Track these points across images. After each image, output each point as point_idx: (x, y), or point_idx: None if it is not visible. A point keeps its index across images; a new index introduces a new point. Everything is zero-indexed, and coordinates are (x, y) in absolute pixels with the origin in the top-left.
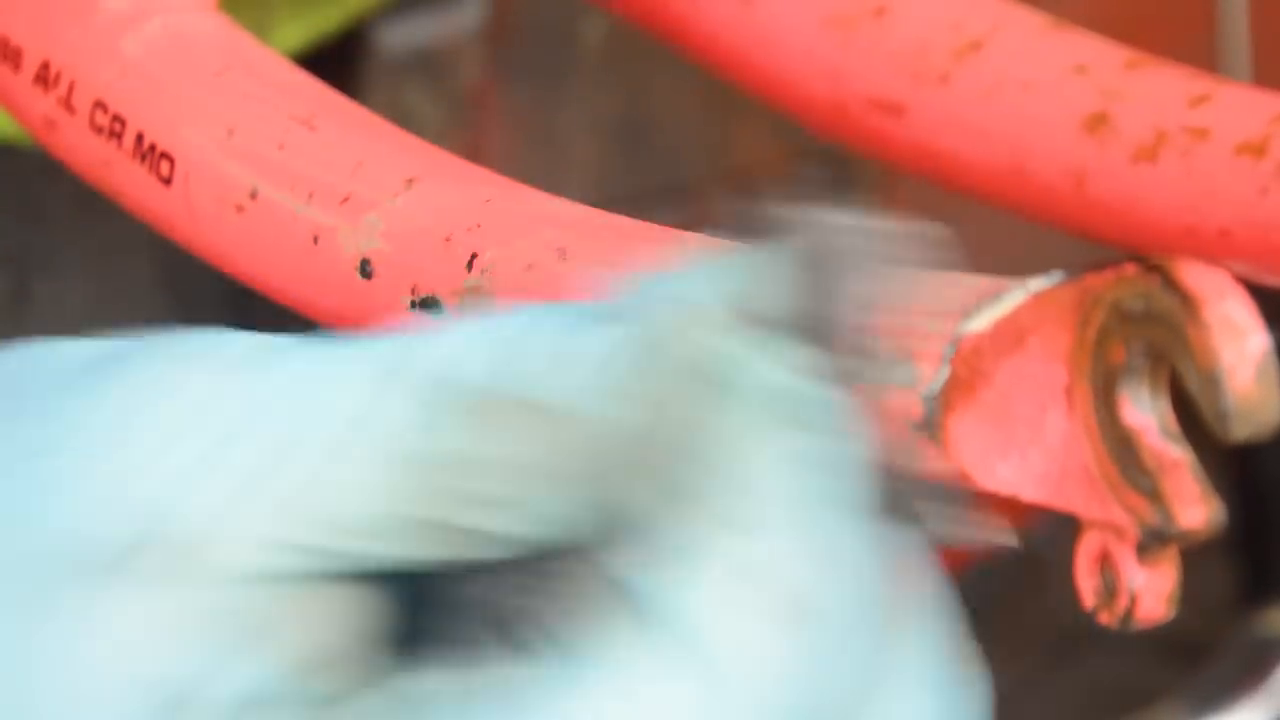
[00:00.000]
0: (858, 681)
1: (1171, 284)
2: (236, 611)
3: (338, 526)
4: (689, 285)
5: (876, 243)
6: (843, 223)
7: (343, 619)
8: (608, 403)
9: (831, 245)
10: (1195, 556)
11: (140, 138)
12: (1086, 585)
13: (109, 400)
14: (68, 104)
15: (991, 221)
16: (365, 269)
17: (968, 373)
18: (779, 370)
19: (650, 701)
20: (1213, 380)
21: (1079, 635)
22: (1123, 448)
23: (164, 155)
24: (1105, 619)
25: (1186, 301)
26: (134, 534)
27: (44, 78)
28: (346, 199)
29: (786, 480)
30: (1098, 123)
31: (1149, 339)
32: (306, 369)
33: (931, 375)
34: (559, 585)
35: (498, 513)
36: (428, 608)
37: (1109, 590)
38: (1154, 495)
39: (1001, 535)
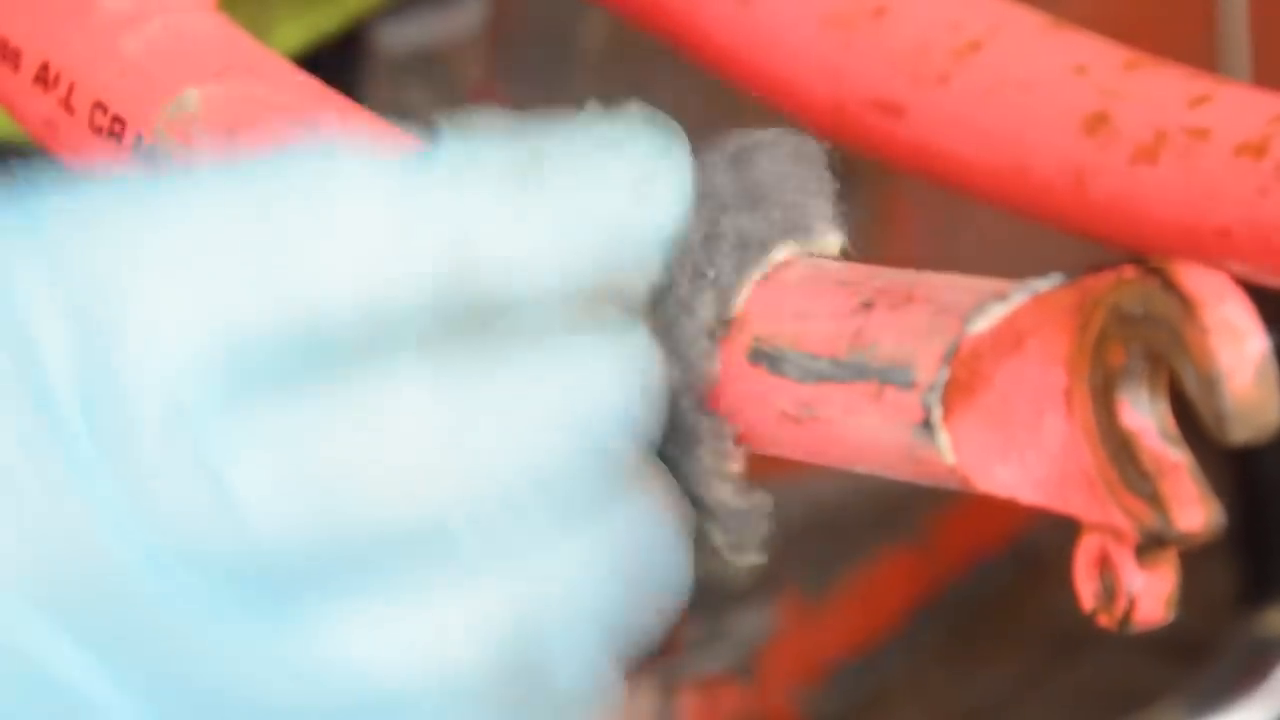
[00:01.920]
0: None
1: (1171, 286)
2: None
3: None
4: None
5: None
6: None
7: None
8: None
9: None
10: (1195, 557)
11: (140, 139)
12: (1085, 588)
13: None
14: (67, 104)
15: (991, 221)
16: None
17: (967, 375)
18: None
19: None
20: (1211, 383)
21: (1079, 635)
22: (1121, 450)
23: (164, 156)
24: (1104, 621)
25: (1185, 304)
26: None
27: (44, 78)
28: None
29: None
30: (1098, 123)
31: (1148, 341)
32: None
33: (931, 377)
34: None
35: None
36: None
37: (1108, 593)
38: (1153, 498)
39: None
